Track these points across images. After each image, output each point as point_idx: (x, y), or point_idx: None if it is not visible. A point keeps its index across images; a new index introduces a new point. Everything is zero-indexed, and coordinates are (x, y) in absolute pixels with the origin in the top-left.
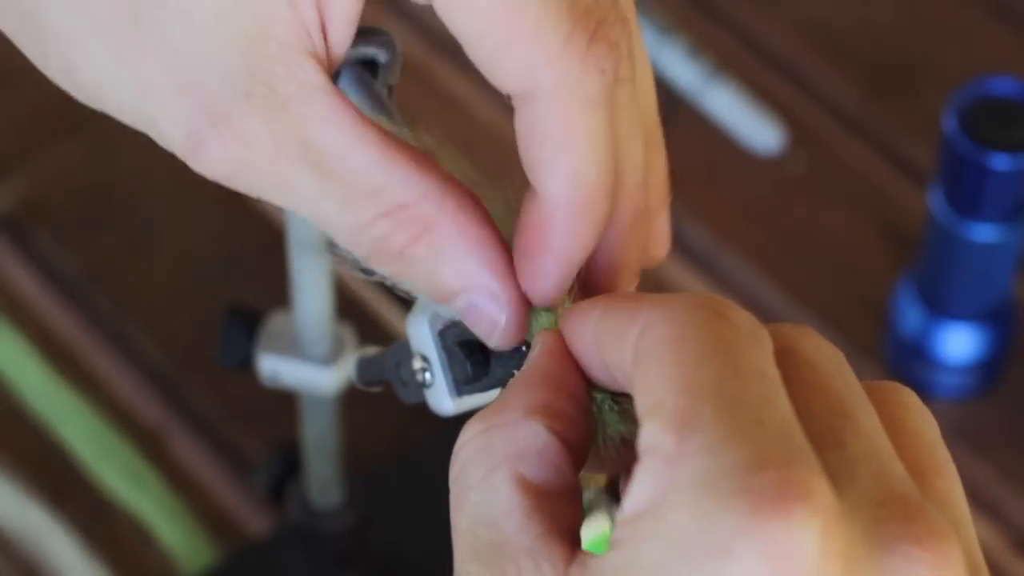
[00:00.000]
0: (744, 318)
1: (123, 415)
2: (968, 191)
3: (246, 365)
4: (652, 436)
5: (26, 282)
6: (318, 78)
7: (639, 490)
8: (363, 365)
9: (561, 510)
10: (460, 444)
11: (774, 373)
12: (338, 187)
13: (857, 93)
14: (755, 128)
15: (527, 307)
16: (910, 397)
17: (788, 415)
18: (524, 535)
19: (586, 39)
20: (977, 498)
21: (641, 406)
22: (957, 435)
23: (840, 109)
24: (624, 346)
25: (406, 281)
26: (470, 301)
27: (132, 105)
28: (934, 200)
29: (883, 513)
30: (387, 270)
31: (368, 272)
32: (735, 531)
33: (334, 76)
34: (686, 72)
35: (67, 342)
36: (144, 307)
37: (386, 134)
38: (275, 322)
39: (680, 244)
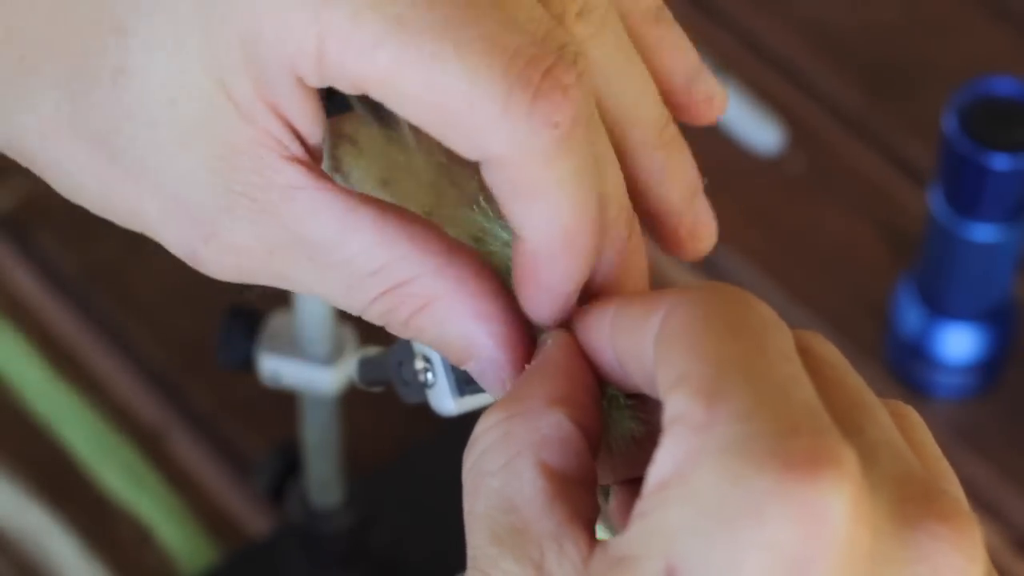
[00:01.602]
0: (767, 307)
1: (123, 415)
2: (968, 191)
3: (246, 365)
4: (679, 406)
5: (26, 282)
6: (298, 177)
7: (665, 457)
8: (365, 365)
9: (581, 499)
10: (479, 432)
11: (797, 358)
12: (338, 275)
13: (857, 93)
14: (755, 128)
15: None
16: (913, 413)
17: (813, 394)
18: (547, 520)
19: (528, 97)
20: (977, 498)
21: (665, 381)
22: (957, 435)
23: (840, 109)
24: (645, 332)
25: (422, 343)
26: (479, 366)
27: (132, 223)
28: (934, 200)
29: (906, 491)
30: (402, 336)
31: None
32: (767, 493)
33: (340, 103)
34: None
35: (67, 342)
36: (144, 307)
37: (381, 210)
38: (275, 322)
39: None
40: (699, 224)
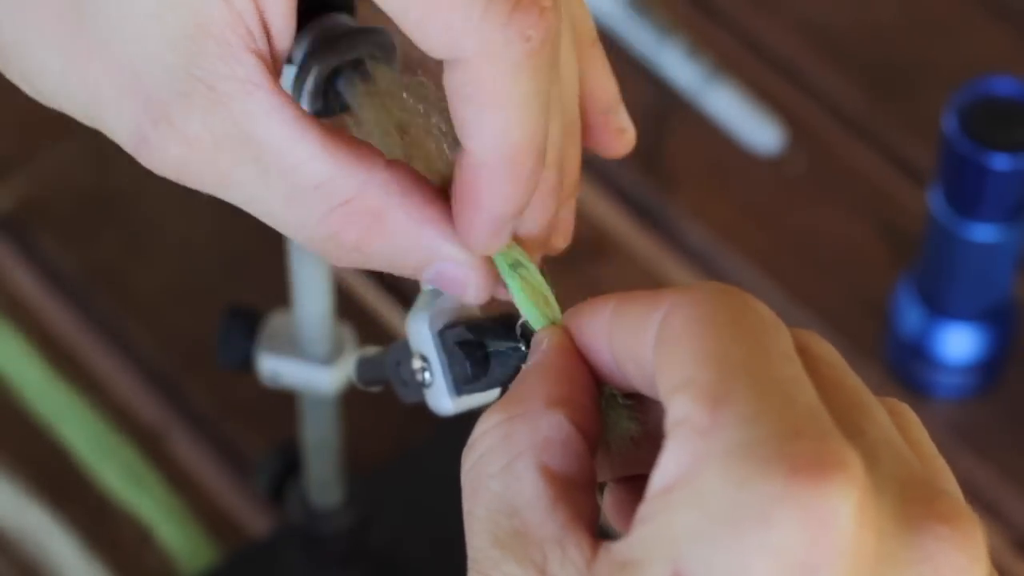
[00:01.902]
0: (766, 308)
1: (123, 415)
2: (968, 191)
3: (246, 365)
4: (682, 410)
5: (26, 282)
6: (258, 74)
7: (670, 461)
8: (363, 365)
9: (583, 501)
10: (478, 434)
11: (798, 359)
12: (281, 182)
13: (857, 93)
14: (755, 128)
15: (492, 264)
16: (910, 411)
17: (815, 396)
18: (550, 523)
19: (509, 5)
20: (977, 498)
21: (667, 385)
22: (957, 435)
23: (840, 109)
24: (644, 334)
25: (366, 267)
26: (436, 270)
27: (84, 107)
28: (934, 200)
29: (908, 492)
30: (344, 263)
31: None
32: (773, 497)
33: (331, 75)
34: (686, 72)
35: (67, 342)
36: (144, 307)
37: (329, 128)
38: (275, 322)
39: (680, 244)
40: (625, 121)
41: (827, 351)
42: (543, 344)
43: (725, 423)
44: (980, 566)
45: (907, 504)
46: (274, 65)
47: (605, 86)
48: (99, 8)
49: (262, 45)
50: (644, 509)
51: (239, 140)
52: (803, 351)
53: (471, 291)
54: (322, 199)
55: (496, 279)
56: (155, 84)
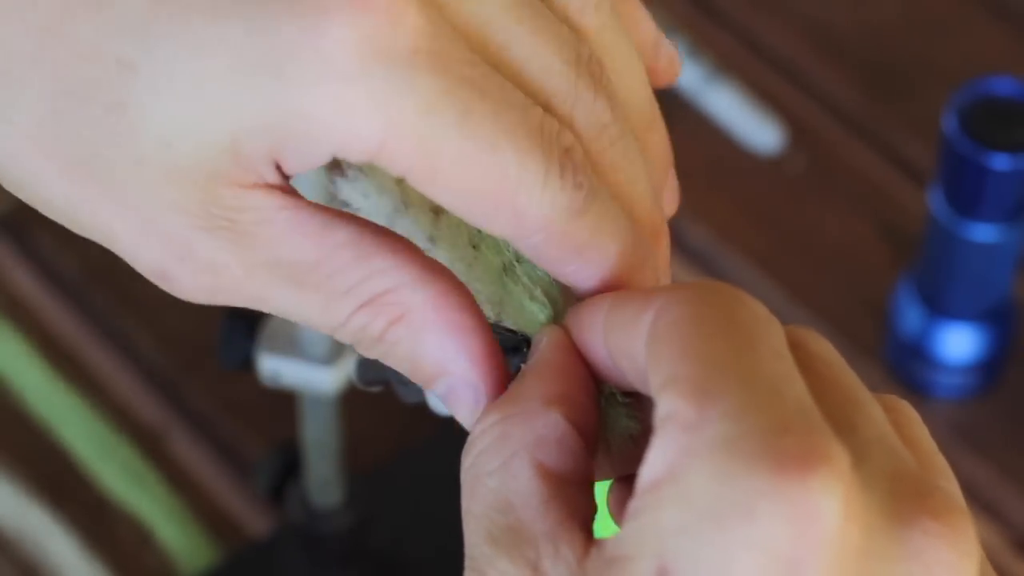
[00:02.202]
0: (759, 305)
1: (123, 415)
2: (968, 191)
3: (246, 365)
4: (670, 405)
5: (26, 282)
6: (274, 200)
7: (657, 457)
8: (363, 365)
9: (578, 499)
10: (476, 433)
11: (789, 356)
12: (315, 293)
13: (857, 93)
14: (755, 128)
15: (501, 390)
16: (909, 408)
17: (805, 392)
18: (543, 521)
19: (556, 167)
20: (977, 498)
21: (656, 380)
22: (957, 435)
23: (840, 109)
24: (637, 331)
25: (389, 363)
26: (449, 385)
27: (95, 236)
28: (934, 200)
29: (899, 488)
30: (372, 355)
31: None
32: (757, 492)
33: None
34: (686, 72)
35: (67, 342)
36: (144, 307)
37: (357, 226)
38: (275, 322)
39: (680, 244)
40: (671, 196)
41: (823, 347)
42: (541, 343)
43: (711, 418)
44: (970, 562)
45: (897, 500)
46: (289, 178)
47: (647, 29)
48: (108, 170)
49: (276, 181)
50: (632, 505)
51: (267, 265)
52: (797, 347)
53: (471, 419)
54: (354, 298)
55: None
56: (175, 225)
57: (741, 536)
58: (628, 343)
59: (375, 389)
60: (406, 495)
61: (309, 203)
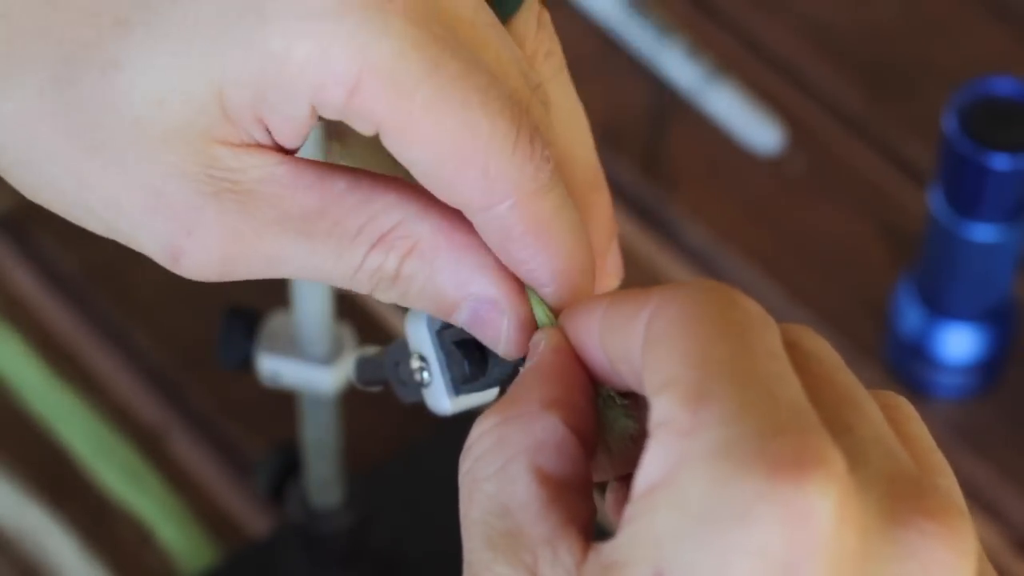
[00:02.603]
0: (753, 304)
1: (123, 415)
2: (968, 191)
3: (246, 365)
4: (664, 410)
5: (26, 282)
6: (270, 157)
7: (652, 462)
8: (362, 365)
9: (576, 503)
10: (474, 437)
11: (784, 355)
12: (327, 242)
13: (857, 93)
14: (755, 128)
15: (528, 309)
16: (907, 405)
17: (800, 393)
18: (541, 525)
19: (527, 136)
20: (977, 498)
21: (652, 384)
22: (957, 435)
23: (840, 109)
24: (632, 334)
25: (410, 304)
26: (472, 310)
27: (107, 224)
28: (934, 200)
29: (896, 489)
30: (391, 298)
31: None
32: (752, 496)
33: None
34: (686, 72)
35: (67, 342)
36: (144, 307)
37: (352, 172)
38: (275, 322)
39: (680, 244)
40: (615, 263)
41: (819, 346)
42: (539, 346)
43: (706, 423)
44: (968, 561)
45: (894, 500)
46: (285, 138)
47: (601, 233)
48: (108, 138)
49: (268, 141)
50: (629, 511)
51: (276, 221)
52: (793, 347)
53: (504, 341)
54: (365, 239)
55: (529, 334)
56: (180, 194)
57: (737, 541)
58: (624, 345)
59: (374, 389)
60: (406, 495)
61: (304, 159)
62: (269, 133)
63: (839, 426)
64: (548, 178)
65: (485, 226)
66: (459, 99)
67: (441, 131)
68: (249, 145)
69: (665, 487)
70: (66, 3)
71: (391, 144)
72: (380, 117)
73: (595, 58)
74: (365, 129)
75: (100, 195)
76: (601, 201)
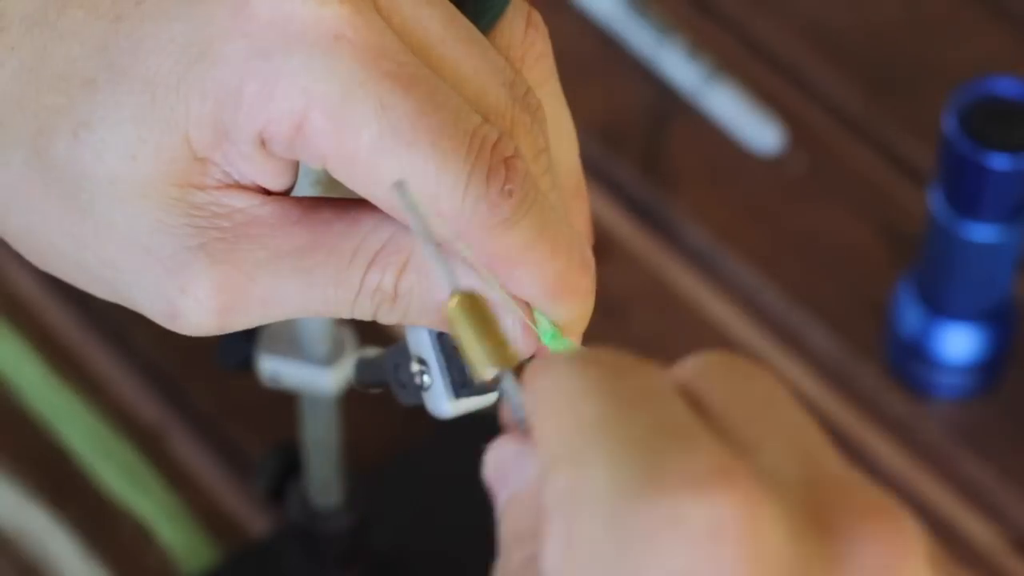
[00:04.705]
0: (623, 356)
1: (123, 415)
2: (968, 191)
3: (246, 365)
4: (551, 487)
5: (26, 282)
6: (253, 198)
7: (552, 542)
8: (362, 367)
9: None
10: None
11: (661, 385)
12: (324, 271)
13: (857, 93)
14: (755, 128)
15: (529, 309)
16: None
17: (681, 411)
18: None
19: (481, 174)
20: (977, 498)
21: (541, 468)
22: (957, 435)
23: (840, 109)
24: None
25: (415, 323)
26: None
27: (107, 287)
28: (934, 200)
29: (820, 495)
30: (395, 319)
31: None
32: (657, 519)
33: None
34: (686, 72)
35: (67, 342)
36: None
37: (334, 201)
38: (275, 323)
39: (680, 244)
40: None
41: (718, 366)
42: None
43: (588, 476)
44: (912, 560)
45: (819, 507)
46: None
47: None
48: (92, 196)
49: (244, 180)
50: None
51: (271, 260)
52: (691, 380)
53: (511, 342)
54: (360, 262)
55: (534, 333)
56: (167, 250)
57: (653, 571)
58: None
59: (374, 391)
60: (406, 495)
61: (289, 197)
62: (247, 176)
63: (742, 437)
64: (511, 211)
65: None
66: (407, 140)
67: (387, 171)
68: (229, 186)
69: (568, 553)
70: (40, 71)
71: (338, 176)
72: (325, 152)
73: (595, 58)
74: (314, 164)
75: (97, 255)
76: (581, 208)
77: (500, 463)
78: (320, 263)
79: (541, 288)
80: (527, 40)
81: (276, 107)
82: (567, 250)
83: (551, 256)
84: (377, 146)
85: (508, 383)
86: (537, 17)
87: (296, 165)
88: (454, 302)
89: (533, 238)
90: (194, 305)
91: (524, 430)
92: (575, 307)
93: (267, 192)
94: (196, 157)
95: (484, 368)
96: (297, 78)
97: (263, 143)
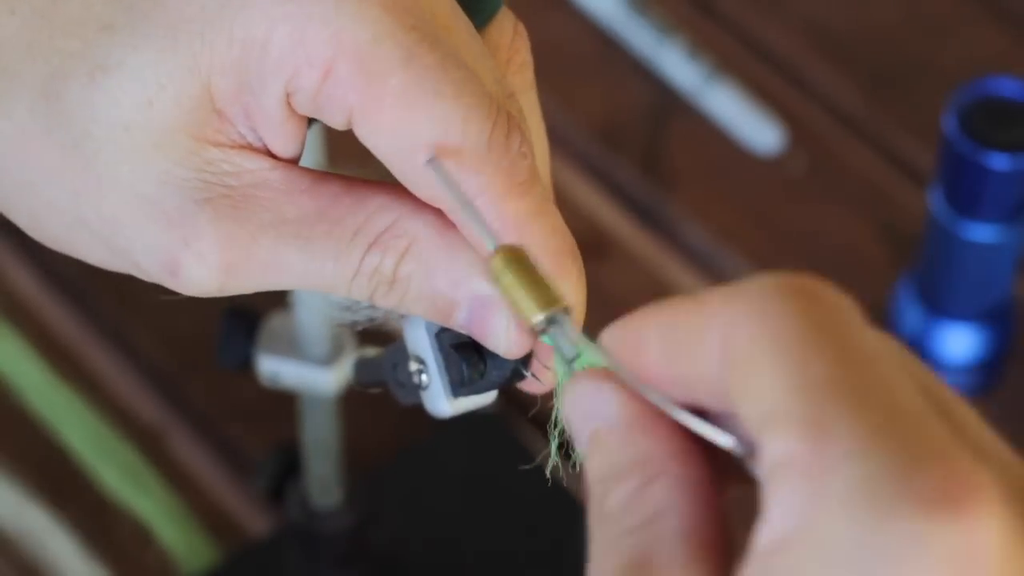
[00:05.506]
0: (832, 293)
1: (123, 415)
2: (968, 191)
3: (246, 365)
4: (781, 449)
5: (26, 282)
6: (264, 161)
7: (780, 512)
8: (361, 366)
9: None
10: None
11: (887, 353)
12: (325, 245)
13: (857, 93)
14: (755, 128)
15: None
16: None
17: (919, 402)
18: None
19: (502, 131)
20: None
21: (753, 416)
22: None
23: (840, 109)
24: (704, 353)
25: (410, 310)
26: (470, 311)
27: (104, 246)
28: (934, 200)
29: None
30: (390, 303)
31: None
32: (908, 539)
33: None
34: (686, 72)
35: (67, 342)
36: (144, 307)
37: (345, 177)
38: (275, 322)
39: (680, 244)
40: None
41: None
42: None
43: (835, 461)
44: None
45: None
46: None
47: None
48: (100, 145)
49: (259, 143)
50: (755, 567)
51: (275, 225)
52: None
53: (504, 340)
54: (362, 240)
55: (530, 334)
56: (174, 202)
57: None
58: (695, 365)
59: (373, 390)
60: (406, 495)
61: (299, 166)
62: (260, 136)
63: (965, 439)
64: (526, 176)
65: (464, 225)
66: (433, 90)
67: (412, 121)
68: (242, 146)
69: (802, 539)
70: (52, 17)
71: (362, 132)
72: (352, 102)
73: (595, 58)
74: (338, 121)
75: (97, 209)
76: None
77: (580, 398)
78: (322, 234)
79: (545, 259)
80: (513, 47)
81: (305, 52)
82: (564, 233)
83: (552, 233)
84: (404, 95)
85: (563, 323)
86: (523, 28)
87: (306, 133)
88: (498, 257)
89: (539, 209)
90: (196, 260)
91: (593, 371)
92: (571, 288)
93: (275, 158)
94: (215, 108)
95: (534, 313)
96: (327, 22)
97: (288, 96)
